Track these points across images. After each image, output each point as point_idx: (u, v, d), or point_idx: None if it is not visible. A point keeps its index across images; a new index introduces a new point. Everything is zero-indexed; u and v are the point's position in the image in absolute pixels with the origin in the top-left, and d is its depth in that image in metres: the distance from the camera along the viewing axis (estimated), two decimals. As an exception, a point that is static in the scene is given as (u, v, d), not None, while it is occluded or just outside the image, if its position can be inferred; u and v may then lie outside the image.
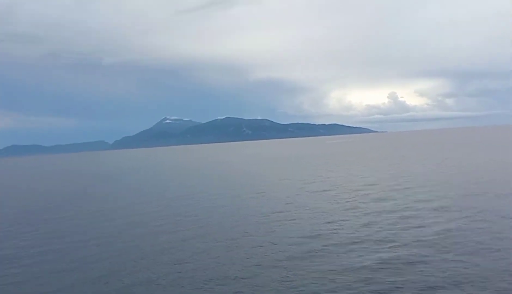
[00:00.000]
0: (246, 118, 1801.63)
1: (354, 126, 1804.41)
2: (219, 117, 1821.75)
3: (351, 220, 24.37)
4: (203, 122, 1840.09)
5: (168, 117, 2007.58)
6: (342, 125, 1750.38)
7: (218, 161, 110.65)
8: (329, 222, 24.02)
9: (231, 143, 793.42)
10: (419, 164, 57.75)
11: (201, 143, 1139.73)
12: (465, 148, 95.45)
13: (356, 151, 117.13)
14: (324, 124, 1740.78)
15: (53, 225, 29.50)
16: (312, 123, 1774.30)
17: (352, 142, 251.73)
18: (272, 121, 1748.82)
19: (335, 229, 22.25)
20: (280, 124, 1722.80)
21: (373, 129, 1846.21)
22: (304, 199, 33.15)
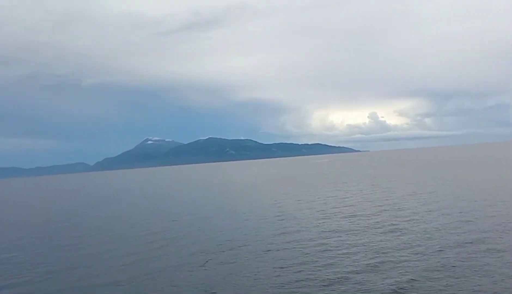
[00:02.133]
0: (229, 138, 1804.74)
1: (337, 145, 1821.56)
2: (201, 138, 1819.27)
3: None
4: (185, 143, 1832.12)
5: (150, 138, 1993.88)
6: (325, 145, 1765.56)
7: (217, 183, 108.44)
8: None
9: (215, 163, 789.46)
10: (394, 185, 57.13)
11: (184, 164, 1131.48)
12: (443, 167, 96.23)
13: (347, 170, 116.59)
14: (307, 144, 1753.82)
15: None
16: (295, 143, 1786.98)
17: (340, 161, 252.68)
18: (255, 141, 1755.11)
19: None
20: (263, 144, 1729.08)
21: (355, 149, 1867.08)
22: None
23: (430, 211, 33.95)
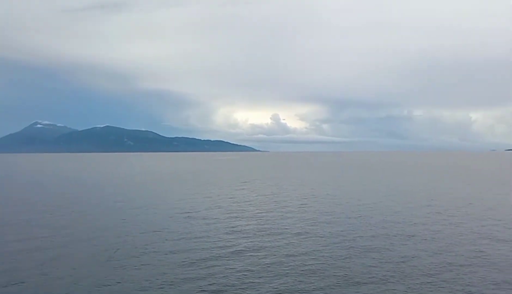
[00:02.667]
0: (128, 128, 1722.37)
1: (239, 144, 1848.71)
2: (98, 125, 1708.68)
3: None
4: (79, 130, 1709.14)
5: (39, 121, 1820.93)
6: (228, 142, 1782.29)
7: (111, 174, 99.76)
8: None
9: (112, 154, 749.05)
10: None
11: (77, 152, 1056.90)
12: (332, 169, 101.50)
13: (250, 169, 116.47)
14: (209, 140, 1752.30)
15: None
16: (197, 138, 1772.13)
17: (241, 159, 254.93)
18: (156, 133, 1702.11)
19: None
20: (164, 137, 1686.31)
21: (256, 148, 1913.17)
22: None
23: (314, 210, 33.74)
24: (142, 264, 20.35)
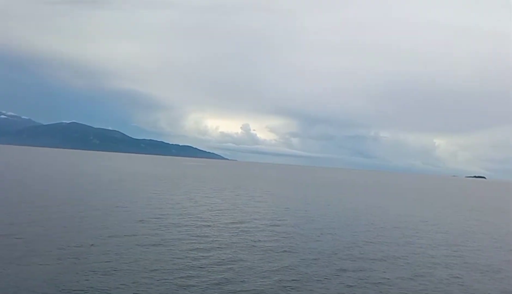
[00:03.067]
0: (95, 126, 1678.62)
1: (208, 150, 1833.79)
2: (64, 121, 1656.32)
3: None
4: (45, 124, 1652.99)
5: (3, 112, 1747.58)
6: (196, 148, 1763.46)
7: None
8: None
9: (76, 151, 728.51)
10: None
11: (40, 146, 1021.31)
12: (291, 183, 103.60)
13: (216, 176, 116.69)
14: (178, 145, 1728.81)
15: None
16: (166, 141, 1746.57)
17: (208, 166, 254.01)
18: (123, 134, 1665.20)
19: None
20: (132, 138, 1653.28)
21: (224, 156, 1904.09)
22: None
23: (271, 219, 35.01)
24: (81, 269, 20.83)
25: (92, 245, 24.25)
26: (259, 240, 29.07)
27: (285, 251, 26.38)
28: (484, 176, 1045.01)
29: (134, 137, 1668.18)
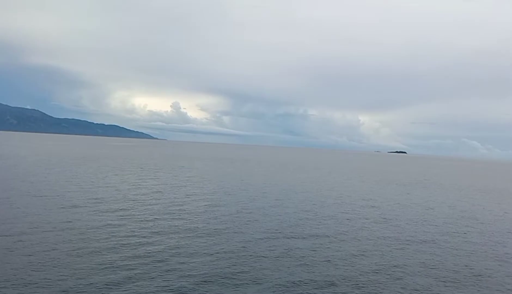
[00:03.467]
0: (12, 105, 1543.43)
1: (135, 130, 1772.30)
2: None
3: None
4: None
5: None
6: (123, 128, 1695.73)
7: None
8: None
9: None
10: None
11: None
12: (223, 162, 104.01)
13: (144, 157, 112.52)
14: (103, 124, 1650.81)
15: None
16: (90, 121, 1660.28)
17: (138, 146, 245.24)
18: (43, 113, 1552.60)
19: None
20: (52, 117, 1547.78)
21: (153, 135, 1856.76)
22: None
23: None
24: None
25: (24, 234, 21.96)
26: (203, 222, 28.31)
27: (231, 232, 25.89)
28: (405, 151, 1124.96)
29: (55, 116, 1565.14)
